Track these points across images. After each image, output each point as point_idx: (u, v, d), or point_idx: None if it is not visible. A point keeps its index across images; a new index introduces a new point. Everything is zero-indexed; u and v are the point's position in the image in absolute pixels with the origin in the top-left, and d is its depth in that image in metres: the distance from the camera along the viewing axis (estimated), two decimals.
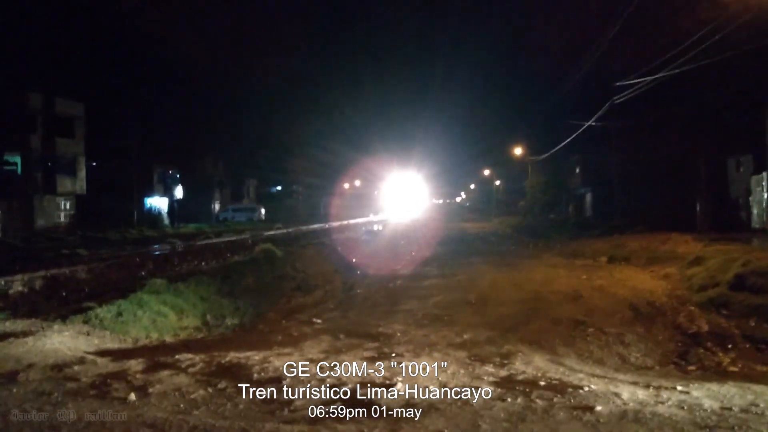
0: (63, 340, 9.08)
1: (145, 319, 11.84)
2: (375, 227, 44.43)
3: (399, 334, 10.73)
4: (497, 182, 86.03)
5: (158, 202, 58.40)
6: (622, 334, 10.66)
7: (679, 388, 6.79)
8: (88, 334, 10.20)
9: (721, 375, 8.38)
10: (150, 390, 6.17)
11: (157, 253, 22.61)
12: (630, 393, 6.40)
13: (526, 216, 58.63)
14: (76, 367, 7.17)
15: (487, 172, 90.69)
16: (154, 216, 55.77)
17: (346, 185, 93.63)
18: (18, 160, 40.67)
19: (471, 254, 27.61)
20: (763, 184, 24.80)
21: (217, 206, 69.23)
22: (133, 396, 5.94)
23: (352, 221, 52.95)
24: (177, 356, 7.95)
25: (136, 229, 42.01)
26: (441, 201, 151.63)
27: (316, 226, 43.19)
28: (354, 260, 25.08)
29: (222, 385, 6.39)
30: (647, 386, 6.90)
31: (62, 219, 44.16)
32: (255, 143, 77.28)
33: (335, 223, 47.55)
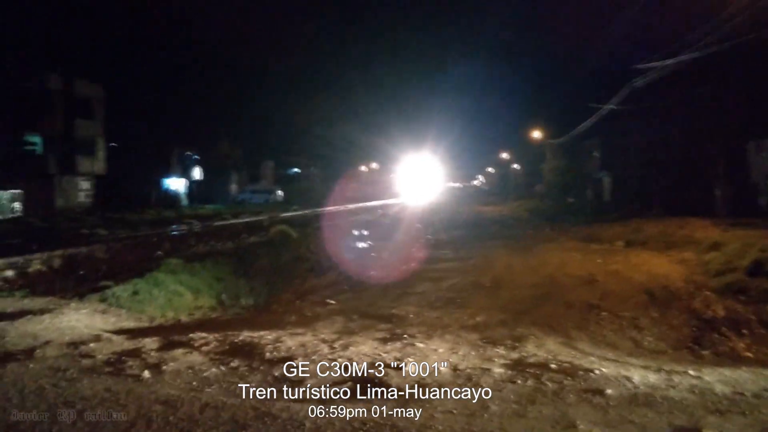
0: (80, 318, 9.21)
1: (161, 299, 11.97)
2: (391, 210, 44.40)
3: (412, 316, 10.77)
4: (515, 165, 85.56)
5: (177, 183, 58.74)
6: (636, 318, 10.64)
7: (691, 372, 6.75)
8: (105, 313, 10.32)
9: (735, 360, 8.35)
10: (164, 368, 6.24)
11: (174, 233, 22.79)
12: (641, 377, 6.38)
13: (544, 199, 58.27)
14: (92, 345, 7.26)
15: (505, 155, 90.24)
16: (172, 197, 56.13)
17: (363, 167, 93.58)
18: (38, 140, 41.03)
19: (486, 238, 27.54)
20: None
21: (234, 188, 69.49)
22: (147, 373, 6.02)
23: (368, 203, 52.98)
24: (191, 335, 8.02)
25: (155, 210, 42.31)
26: (458, 184, 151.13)
27: (332, 208, 43.22)
28: (370, 242, 25.11)
29: (234, 363, 6.45)
30: (659, 370, 6.87)
31: (82, 199, 44.55)
32: (273, 125, 77.31)
33: (351, 206, 47.56)
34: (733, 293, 12.40)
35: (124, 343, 7.49)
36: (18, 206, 36.50)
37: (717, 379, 6.47)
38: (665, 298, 12.33)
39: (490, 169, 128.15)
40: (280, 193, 69.08)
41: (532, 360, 7.22)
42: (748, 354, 8.84)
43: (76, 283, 12.93)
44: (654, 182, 38.32)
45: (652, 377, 6.44)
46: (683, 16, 26.69)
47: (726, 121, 29.53)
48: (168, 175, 56.92)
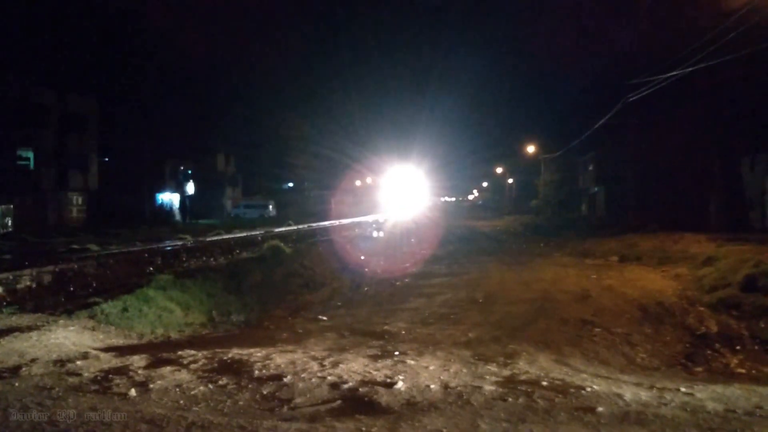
0: (68, 335, 9.12)
1: (150, 315, 11.86)
2: (385, 225, 44.38)
3: (404, 332, 10.71)
4: (510, 180, 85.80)
5: (170, 198, 58.66)
6: (630, 334, 10.60)
7: (683, 389, 6.70)
8: (94, 330, 10.23)
9: (727, 377, 8.30)
10: (151, 386, 6.17)
11: (166, 248, 22.67)
12: (633, 394, 6.33)
13: (539, 214, 58.40)
14: (79, 362, 7.19)
15: (499, 170, 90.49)
16: (165, 212, 56.05)
17: (358, 182, 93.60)
18: (31, 155, 40.96)
19: (480, 253, 27.54)
20: None
21: (228, 202, 69.46)
22: (133, 392, 5.95)
23: (363, 218, 52.95)
24: (180, 352, 7.95)
25: (148, 225, 42.20)
26: (454, 198, 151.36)
27: (325, 223, 43.18)
28: (362, 258, 25.05)
29: (223, 381, 6.38)
30: (651, 387, 6.82)
31: (74, 214, 44.45)
32: (267, 140, 77.46)
33: (345, 221, 47.54)
34: (727, 309, 12.39)
35: (111, 361, 7.42)
36: (9, 221, 36.33)
37: (709, 396, 6.42)
38: (659, 314, 12.31)
39: (485, 184, 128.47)
40: (273, 207, 69.05)
41: (523, 377, 7.16)
42: (741, 370, 8.79)
43: (65, 299, 12.81)
44: (649, 197, 38.44)
45: (644, 394, 6.39)
46: (679, 30, 26.94)
47: (720, 137, 29.69)
48: (161, 189, 56.86)
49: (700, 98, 29.79)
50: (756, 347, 9.99)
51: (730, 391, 6.78)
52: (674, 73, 20.48)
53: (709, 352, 9.76)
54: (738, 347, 9.95)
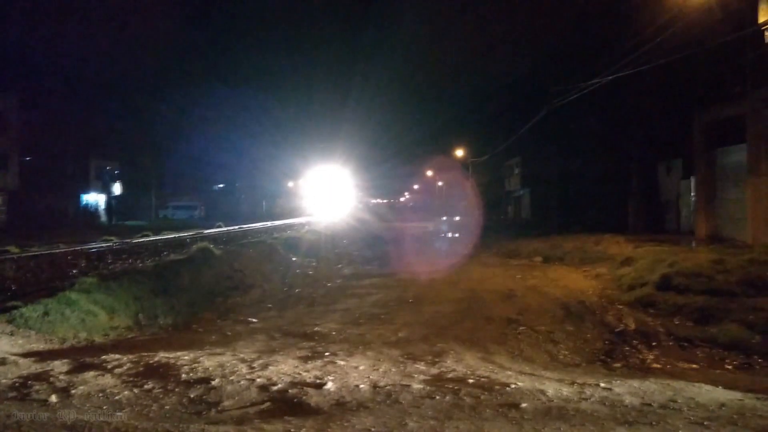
0: None
1: (73, 319, 11.48)
2: (317, 226, 44.22)
3: (334, 333, 10.73)
4: (440, 183, 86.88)
5: (96, 199, 56.83)
6: (552, 332, 10.92)
7: (602, 384, 6.96)
8: (12, 334, 9.84)
9: (644, 372, 8.65)
10: (73, 392, 6.01)
11: (91, 250, 21.95)
12: (555, 390, 6.54)
13: (467, 216, 59.34)
14: None
15: (430, 173, 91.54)
16: (90, 213, 54.32)
17: (291, 184, 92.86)
18: None
19: (411, 254, 27.81)
20: (691, 188, 25.71)
21: (157, 203, 67.81)
22: (54, 398, 5.78)
23: (294, 220, 52.60)
24: (104, 356, 7.76)
25: (72, 226, 40.80)
26: (386, 201, 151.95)
27: (257, 225, 42.67)
28: (294, 259, 24.92)
29: (149, 385, 6.26)
30: (572, 383, 7.06)
31: None
32: (196, 140, 75.88)
33: (277, 222, 47.14)
34: (644, 307, 12.91)
35: (31, 367, 7.18)
36: None
37: (627, 390, 6.69)
38: (580, 312, 12.72)
39: (416, 186, 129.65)
40: (203, 208, 67.82)
41: (451, 375, 7.30)
42: (657, 366, 9.18)
43: None
44: (572, 199, 39.70)
45: (566, 390, 6.61)
46: (602, 38, 27.94)
47: (637, 142, 30.97)
48: (86, 190, 55.02)
49: (619, 104, 31.02)
50: (671, 343, 10.43)
51: (646, 385, 7.07)
52: (596, 81, 21.18)
53: (627, 348, 10.14)
54: (654, 343, 10.38)
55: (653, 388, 6.89)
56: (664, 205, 30.43)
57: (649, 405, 5.97)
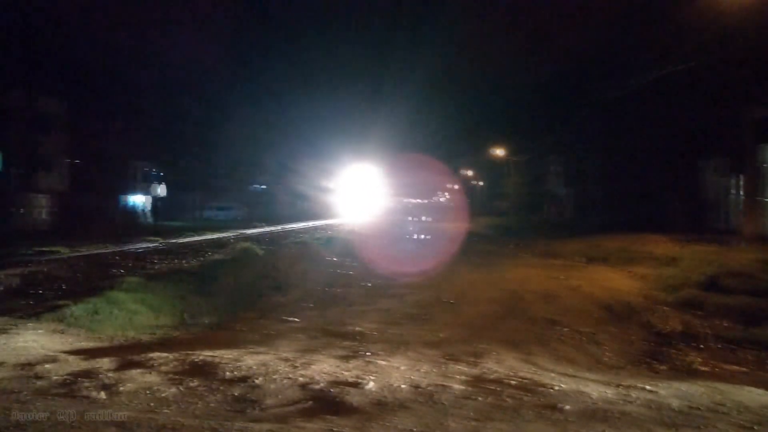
0: (36, 338, 9.03)
1: (120, 318, 11.76)
2: (356, 225, 44.40)
3: (374, 333, 10.76)
4: (479, 182, 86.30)
5: (140, 200, 58.02)
6: (596, 333, 10.78)
7: (647, 387, 6.86)
8: (62, 333, 10.13)
9: (690, 375, 8.49)
10: (120, 388, 6.15)
11: (136, 250, 22.46)
12: (599, 392, 6.47)
13: (507, 216, 58.87)
14: (47, 366, 7.13)
15: (469, 172, 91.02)
16: (136, 214, 55.45)
17: (329, 185, 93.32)
18: None
19: (449, 254, 27.69)
20: (737, 186, 25.12)
21: (199, 204, 68.82)
22: (102, 394, 5.93)
23: (333, 220, 52.93)
24: (150, 355, 7.92)
25: (118, 227, 41.69)
26: (424, 200, 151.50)
27: (297, 225, 43.13)
28: (334, 259, 25.04)
29: (193, 383, 6.38)
30: (617, 386, 6.97)
31: (42, 216, 43.81)
32: (239, 141, 76.74)
33: (316, 222, 47.50)
34: (690, 308, 12.66)
35: (80, 364, 7.36)
36: None
37: (673, 393, 6.59)
38: (624, 314, 12.53)
39: (455, 186, 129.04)
40: (245, 209, 68.63)
41: (492, 376, 7.27)
42: (704, 368, 9.00)
43: (33, 302, 12.66)
44: (614, 198, 39.01)
45: (610, 393, 6.53)
46: (646, 35, 27.44)
47: (683, 141, 30.32)
48: (131, 191, 56.19)
49: (664, 101, 30.39)
50: (718, 346, 10.22)
51: (692, 388, 6.96)
52: (641, 79, 20.85)
53: (672, 350, 9.96)
54: (700, 345, 10.18)
55: (700, 392, 6.78)
56: (709, 204, 29.76)
57: (696, 408, 5.88)
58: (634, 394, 6.49)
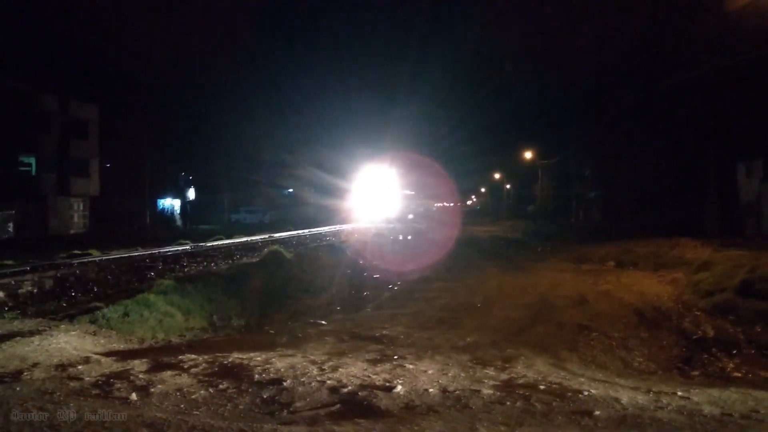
0: (69, 340, 9.17)
1: (151, 320, 11.92)
2: (385, 229, 44.44)
3: (402, 337, 10.76)
4: (507, 186, 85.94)
5: (171, 204, 58.78)
6: (626, 338, 10.66)
7: (679, 393, 6.75)
8: (95, 334, 10.28)
9: (723, 381, 8.35)
10: (152, 390, 6.22)
11: (167, 253, 22.73)
12: (630, 398, 6.38)
13: (536, 220, 58.50)
14: (80, 367, 7.24)
15: (497, 176, 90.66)
16: (166, 217, 56.20)
17: (358, 188, 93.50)
18: (33, 161, 41.10)
19: (478, 258, 27.60)
20: None
21: (229, 208, 69.47)
22: (134, 396, 5.99)
23: (363, 224, 52.98)
24: (181, 357, 8.01)
25: (149, 230, 42.33)
26: (451, 204, 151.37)
27: (324, 228, 43.20)
28: (362, 262, 25.11)
29: (223, 385, 6.43)
30: (648, 391, 6.87)
31: (76, 219, 44.56)
32: (267, 145, 77.37)
33: (344, 226, 47.61)
34: (723, 313, 12.46)
35: (112, 365, 7.46)
36: (11, 227, 36.40)
37: (706, 399, 6.48)
38: (655, 319, 12.37)
39: (483, 190, 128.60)
40: (273, 213, 69.09)
41: (521, 381, 7.22)
42: (738, 374, 8.85)
43: (67, 304, 12.88)
44: (645, 202, 38.49)
45: (641, 398, 6.44)
46: (679, 36, 27.07)
47: (716, 142, 29.81)
48: (162, 195, 56.94)
49: (696, 103, 29.93)
50: (752, 351, 10.05)
51: (726, 394, 6.83)
52: (674, 79, 20.58)
53: (705, 356, 9.82)
54: (734, 351, 10.01)
55: (734, 398, 6.65)
56: (744, 208, 29.19)
57: (730, 415, 5.77)
58: (665, 399, 6.40)
